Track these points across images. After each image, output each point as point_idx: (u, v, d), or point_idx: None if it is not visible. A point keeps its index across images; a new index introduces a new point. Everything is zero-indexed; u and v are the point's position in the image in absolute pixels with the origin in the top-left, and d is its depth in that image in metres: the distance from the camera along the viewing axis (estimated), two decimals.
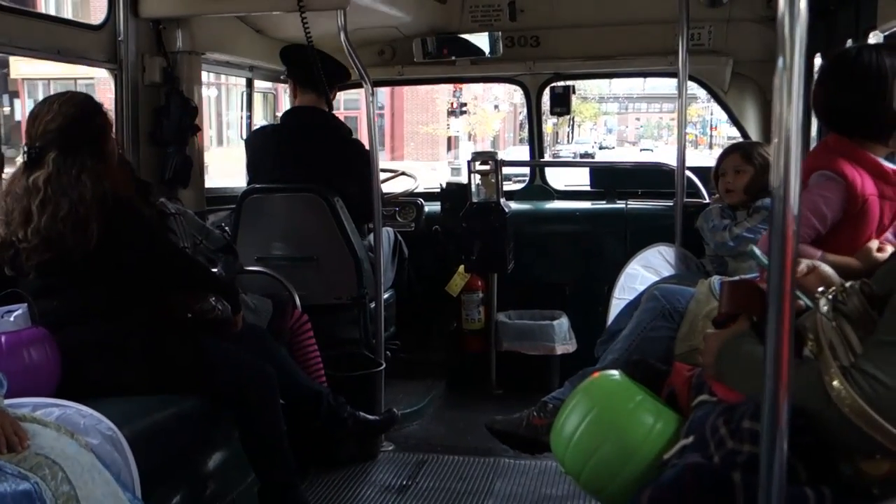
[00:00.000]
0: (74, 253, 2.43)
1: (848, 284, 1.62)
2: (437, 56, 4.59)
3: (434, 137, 28.11)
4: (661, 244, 3.73)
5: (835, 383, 1.42)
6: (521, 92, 4.96)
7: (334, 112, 3.96)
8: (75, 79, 20.45)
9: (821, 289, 1.67)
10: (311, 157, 3.74)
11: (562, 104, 4.72)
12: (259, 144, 4.00)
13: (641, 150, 44.23)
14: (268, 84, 4.99)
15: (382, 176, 4.22)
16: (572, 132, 45.49)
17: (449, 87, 23.11)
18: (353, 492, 3.23)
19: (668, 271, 3.55)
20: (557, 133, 39.00)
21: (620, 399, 1.98)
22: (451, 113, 26.24)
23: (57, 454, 1.81)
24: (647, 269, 3.58)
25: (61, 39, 3.27)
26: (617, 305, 3.37)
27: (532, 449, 2.83)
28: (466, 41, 4.57)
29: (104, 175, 2.52)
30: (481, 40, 4.55)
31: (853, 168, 2.39)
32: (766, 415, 1.38)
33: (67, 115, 2.52)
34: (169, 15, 3.62)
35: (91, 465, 1.88)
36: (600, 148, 40.83)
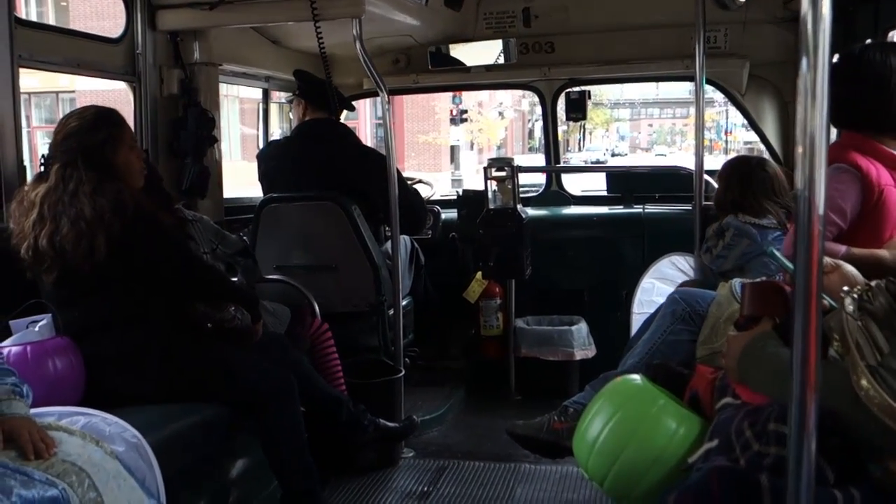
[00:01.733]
0: (82, 267, 2.46)
1: (874, 283, 1.60)
2: (445, 64, 4.63)
3: (436, 147, 27.43)
4: (673, 254, 3.72)
5: (863, 383, 1.40)
6: (529, 99, 4.98)
7: None
8: (57, 92, 20.51)
9: (846, 288, 1.65)
10: (329, 165, 3.76)
11: (578, 110, 4.72)
12: (274, 155, 4.02)
13: (657, 155, 43.97)
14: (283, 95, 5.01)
15: None
16: (583, 139, 45.25)
17: (449, 94, 22.53)
18: (375, 499, 3.23)
19: (682, 279, 3.54)
20: (568, 140, 38.62)
21: (643, 404, 1.97)
22: (452, 121, 25.55)
23: (83, 461, 1.83)
24: (661, 281, 3.57)
25: (81, 53, 3.31)
26: (637, 320, 3.38)
27: (553, 453, 2.83)
28: (450, 56, 4.61)
29: (121, 187, 2.52)
30: (492, 47, 4.58)
31: (866, 159, 2.39)
32: (793, 417, 1.37)
33: (69, 128, 2.56)
34: (186, 27, 3.66)
35: (116, 472, 1.89)
36: (613, 155, 40.45)
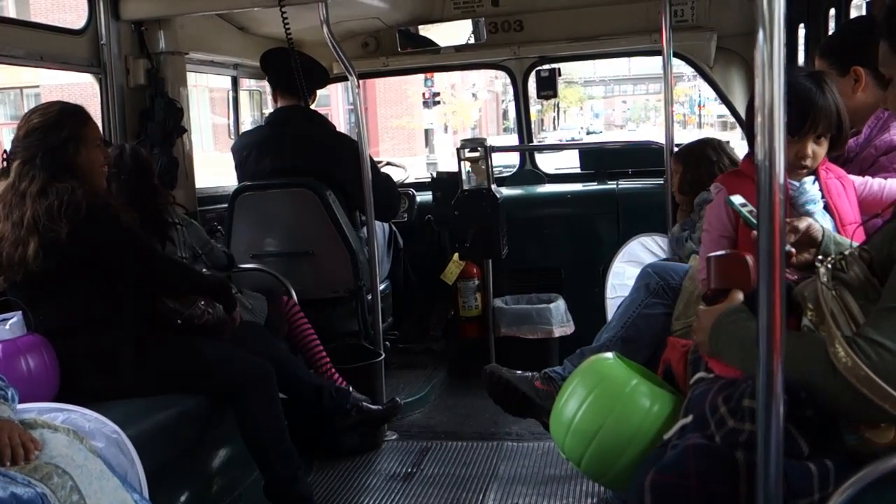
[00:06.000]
0: (15, 275, 2.44)
1: (847, 252, 1.60)
2: (415, 45, 4.60)
3: (409, 131, 27.13)
4: (641, 235, 3.74)
5: (840, 354, 1.39)
6: (502, 79, 4.96)
7: None
8: (21, 87, 20.20)
9: (819, 257, 1.65)
10: (300, 152, 3.75)
11: (548, 87, 4.72)
12: (246, 144, 4.00)
13: (629, 131, 44.09)
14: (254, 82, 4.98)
15: None
16: (558, 118, 45.19)
17: (421, 76, 22.36)
18: (359, 481, 3.25)
19: (653, 259, 3.56)
20: (542, 120, 38.52)
21: (616, 384, 1.97)
22: (425, 104, 25.35)
23: (67, 463, 1.80)
24: (631, 265, 3.58)
25: (44, 45, 3.26)
26: (612, 304, 3.39)
27: (522, 410, 2.80)
28: (420, 37, 4.59)
29: (73, 186, 2.47)
30: (462, 28, 4.56)
31: (734, 177, 2.41)
32: (760, 383, 1.39)
33: (32, 124, 2.52)
34: (150, 16, 3.62)
35: (100, 473, 1.87)
36: (588, 133, 40.44)
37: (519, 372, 2.85)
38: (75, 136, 2.54)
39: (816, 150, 2.21)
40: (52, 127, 2.51)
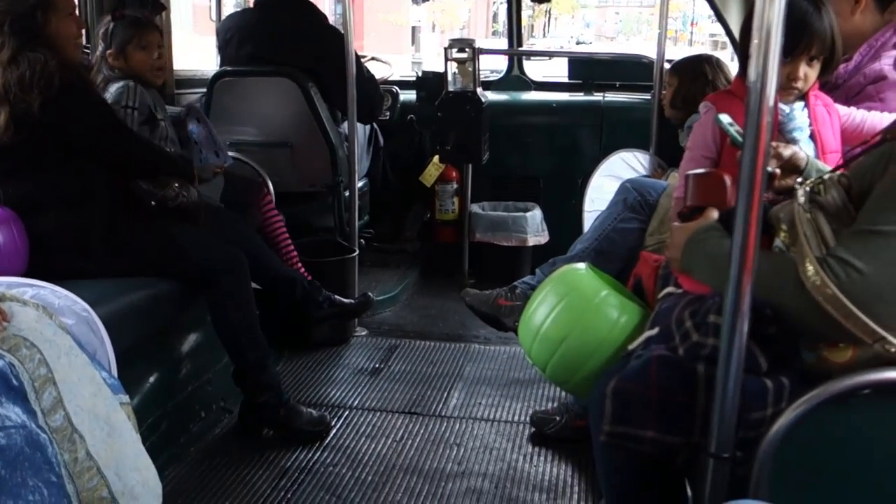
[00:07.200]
0: None
1: (826, 176, 1.61)
2: None
3: (396, 27, 26.51)
4: (622, 150, 3.72)
5: (809, 272, 1.41)
6: None
7: None
8: None
9: (799, 179, 1.65)
10: (286, 39, 3.64)
11: None
12: (231, 26, 3.87)
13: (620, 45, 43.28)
14: None
15: None
16: (548, 25, 44.17)
17: None
18: (327, 373, 3.31)
19: (632, 175, 3.56)
20: (532, 26, 37.65)
21: (586, 294, 2.00)
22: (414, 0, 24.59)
23: (35, 336, 1.79)
24: (610, 179, 3.59)
25: None
26: (589, 218, 3.41)
27: (494, 325, 2.96)
28: None
29: (46, 57, 2.35)
30: None
31: (725, 97, 2.37)
32: (728, 300, 1.43)
33: None
34: None
35: (69, 348, 1.86)
36: (577, 43, 39.67)
37: (488, 291, 2.93)
38: (44, 2, 2.40)
39: (808, 72, 2.17)
40: None
